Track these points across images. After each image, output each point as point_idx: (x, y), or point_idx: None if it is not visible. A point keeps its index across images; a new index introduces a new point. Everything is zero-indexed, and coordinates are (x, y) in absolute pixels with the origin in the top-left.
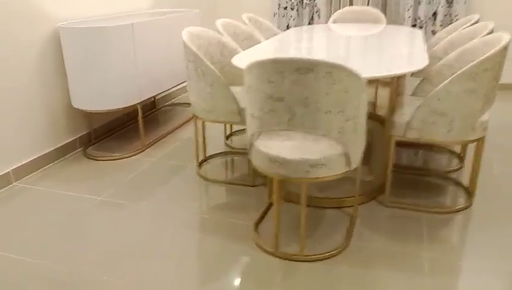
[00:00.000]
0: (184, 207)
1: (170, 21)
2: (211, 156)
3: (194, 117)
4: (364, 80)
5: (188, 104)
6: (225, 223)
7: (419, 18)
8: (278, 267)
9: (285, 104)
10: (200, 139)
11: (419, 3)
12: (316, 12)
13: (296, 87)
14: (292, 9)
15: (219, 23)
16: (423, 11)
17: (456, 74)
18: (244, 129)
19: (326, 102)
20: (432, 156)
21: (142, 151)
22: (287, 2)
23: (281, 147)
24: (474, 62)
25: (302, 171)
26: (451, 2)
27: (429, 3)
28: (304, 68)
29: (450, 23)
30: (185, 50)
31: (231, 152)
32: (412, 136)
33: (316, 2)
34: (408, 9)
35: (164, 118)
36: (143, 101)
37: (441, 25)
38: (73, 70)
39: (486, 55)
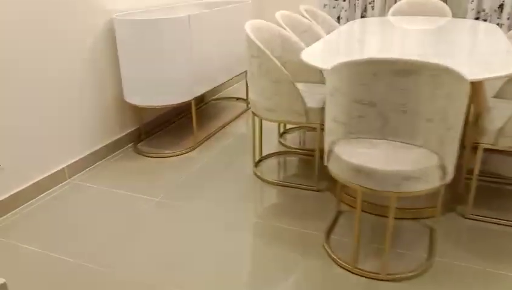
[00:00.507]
0: (244, 211)
1: (225, 13)
2: (267, 156)
3: (253, 115)
4: (469, 83)
5: (237, 99)
6: (289, 231)
7: (483, 10)
8: (358, 287)
9: (377, 110)
10: (257, 138)
11: None
12: (370, 3)
13: (392, 92)
14: (344, 0)
15: (278, 15)
16: (489, 2)
17: None
18: (298, 127)
19: (428, 109)
20: (508, 161)
21: (194, 149)
22: None
23: (367, 156)
24: None
25: (393, 185)
26: None
27: None
28: (404, 70)
29: None
30: (248, 45)
31: (288, 152)
32: (506, 144)
33: None
34: (472, 1)
35: (214, 113)
36: (197, 97)
37: (508, 18)
38: (127, 63)
39: None
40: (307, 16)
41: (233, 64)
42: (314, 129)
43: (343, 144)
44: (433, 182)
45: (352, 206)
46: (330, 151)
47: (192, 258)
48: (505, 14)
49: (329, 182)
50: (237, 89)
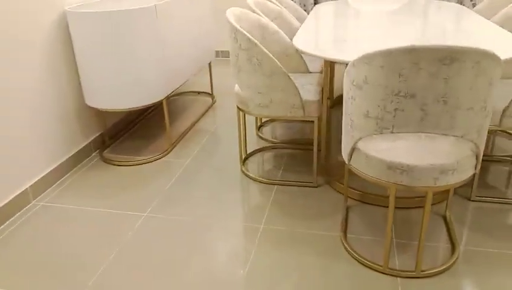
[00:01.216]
0: (244, 217)
1: (191, 0)
2: (252, 153)
3: (239, 112)
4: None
5: (198, 93)
6: (298, 234)
7: None
8: (394, 288)
9: (417, 102)
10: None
11: None
12: None
13: (434, 81)
14: None
15: (251, 1)
16: None
17: None
18: (272, 120)
19: (469, 97)
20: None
21: (169, 151)
22: None
23: (396, 151)
24: None
25: (430, 179)
26: None
27: None
28: (449, 58)
29: None
30: (234, 36)
31: (273, 147)
32: (510, 125)
33: None
34: None
35: (179, 110)
36: (170, 95)
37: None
38: (86, 63)
39: None
40: (276, 2)
41: (200, 56)
42: (305, 122)
43: (368, 140)
44: (468, 172)
45: (361, 201)
46: (354, 149)
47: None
48: None
49: (327, 176)
50: (196, 82)
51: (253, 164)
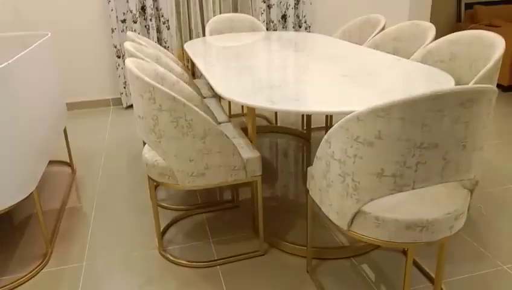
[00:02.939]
0: None
1: (37, 54)
2: (166, 229)
3: (152, 184)
4: None
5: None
6: None
7: (272, 21)
8: None
9: (439, 151)
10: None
11: (269, 6)
12: (164, 23)
13: (456, 127)
14: (135, 22)
15: (130, 46)
16: (275, 14)
17: None
18: None
19: (482, 136)
20: None
21: (50, 256)
22: (124, 14)
23: (406, 205)
24: None
25: (447, 229)
26: (298, 3)
27: (278, 6)
28: (470, 100)
29: (300, 25)
30: (151, 97)
31: (184, 216)
32: None
33: (161, 11)
34: (262, 14)
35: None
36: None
37: (293, 27)
38: None
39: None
40: (144, 44)
41: (56, 121)
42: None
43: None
44: (466, 207)
45: (323, 258)
46: (358, 212)
47: None
48: (290, 24)
49: (272, 238)
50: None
51: (172, 244)
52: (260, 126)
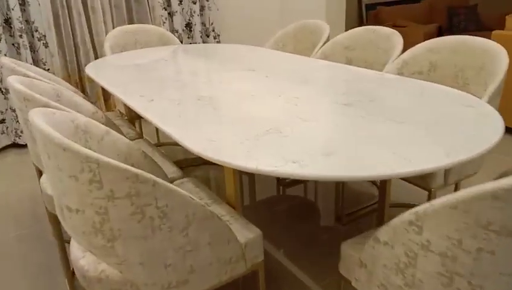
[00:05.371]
0: None
1: None
2: None
3: None
4: None
5: None
6: None
7: (176, 31)
8: None
9: None
10: None
11: (170, 14)
12: (40, 39)
13: None
14: None
15: (18, 82)
16: (179, 22)
17: None
18: None
19: None
20: None
21: None
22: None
23: None
24: None
25: None
26: (204, 9)
27: (181, 13)
28: None
29: (207, 34)
30: (92, 177)
31: None
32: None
33: (34, 24)
34: (164, 23)
35: None
36: None
37: (200, 37)
38: None
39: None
40: (34, 76)
41: None
42: None
43: None
44: None
45: None
46: None
47: None
48: (196, 32)
49: None
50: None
51: None
52: (189, 159)
